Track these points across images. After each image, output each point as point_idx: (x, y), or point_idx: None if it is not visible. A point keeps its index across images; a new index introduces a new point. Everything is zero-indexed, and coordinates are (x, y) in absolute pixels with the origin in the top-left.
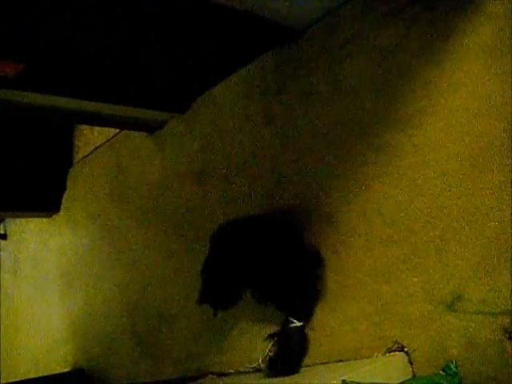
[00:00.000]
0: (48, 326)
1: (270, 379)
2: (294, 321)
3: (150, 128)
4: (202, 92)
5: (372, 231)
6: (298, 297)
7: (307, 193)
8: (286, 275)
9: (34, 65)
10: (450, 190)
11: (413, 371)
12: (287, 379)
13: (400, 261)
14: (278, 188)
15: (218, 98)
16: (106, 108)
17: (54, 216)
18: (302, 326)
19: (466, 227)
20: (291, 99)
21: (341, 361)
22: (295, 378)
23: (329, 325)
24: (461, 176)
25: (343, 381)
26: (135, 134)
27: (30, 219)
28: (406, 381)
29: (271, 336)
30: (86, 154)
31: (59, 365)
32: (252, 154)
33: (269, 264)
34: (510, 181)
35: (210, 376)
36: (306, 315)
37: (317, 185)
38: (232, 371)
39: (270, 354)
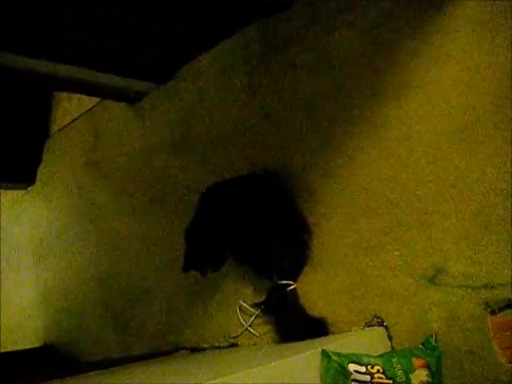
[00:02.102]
0: (19, 300)
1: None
2: (290, 282)
3: (130, 98)
4: (185, 63)
5: (354, 203)
6: (287, 259)
7: (290, 164)
8: (276, 236)
9: (13, 24)
10: (435, 163)
11: (392, 346)
12: (269, 349)
13: (382, 234)
14: (260, 159)
15: (202, 68)
16: (86, 74)
17: (28, 188)
18: (295, 288)
19: (450, 200)
20: (276, 70)
21: None
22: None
23: (307, 297)
24: (446, 149)
25: (323, 350)
26: (114, 104)
27: (3, 191)
28: (386, 353)
29: (257, 305)
30: (63, 125)
31: (30, 340)
32: (234, 124)
33: (257, 224)
34: (495, 155)
35: (184, 351)
36: (293, 280)
37: (300, 156)
38: (206, 346)
39: (249, 327)
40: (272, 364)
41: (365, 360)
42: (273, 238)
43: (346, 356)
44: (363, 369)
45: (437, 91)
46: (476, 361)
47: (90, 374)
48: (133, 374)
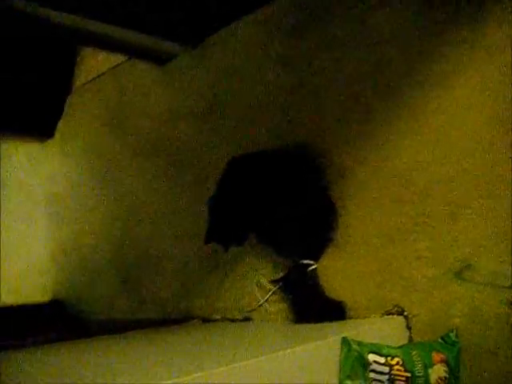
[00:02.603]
0: (30, 253)
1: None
2: (311, 262)
3: (158, 59)
4: (218, 28)
5: (385, 190)
6: (311, 239)
7: (319, 140)
8: (301, 215)
9: None
10: (473, 155)
11: (410, 336)
12: (286, 329)
13: (411, 223)
14: (289, 132)
15: (235, 36)
16: (115, 31)
17: (46, 142)
18: (316, 268)
19: (485, 195)
20: (314, 43)
21: None
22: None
23: (327, 279)
24: (487, 143)
25: (343, 338)
26: (142, 64)
27: (20, 143)
28: (405, 345)
29: (275, 281)
30: (87, 81)
31: (38, 293)
32: (265, 94)
33: (283, 201)
34: None
35: (196, 321)
36: (314, 261)
37: (330, 133)
38: (218, 317)
39: (265, 302)
40: (290, 350)
41: (385, 351)
42: (298, 217)
43: (367, 345)
44: (383, 359)
45: (483, 81)
46: (495, 360)
47: (99, 337)
48: (145, 344)
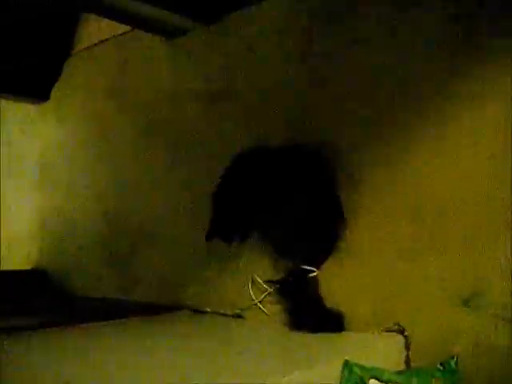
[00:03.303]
0: (16, 219)
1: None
2: (313, 269)
3: (167, 32)
4: (239, 7)
5: (399, 201)
6: (315, 245)
7: (336, 143)
8: (308, 219)
9: None
10: (497, 180)
11: (407, 356)
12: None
13: (423, 241)
14: (302, 129)
15: (255, 18)
16: (121, 0)
17: (42, 105)
18: (317, 275)
19: (506, 223)
20: (336, 38)
21: None
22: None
23: (327, 288)
24: None
25: (346, 361)
26: (148, 36)
27: (14, 103)
28: (406, 371)
29: (272, 282)
30: (88, 46)
31: (21, 261)
32: (280, 84)
33: (290, 202)
34: None
35: (185, 311)
36: (316, 267)
37: (345, 136)
38: (209, 310)
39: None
40: (287, 378)
41: (385, 377)
42: (304, 220)
43: (368, 370)
44: None
45: None
46: None
47: (81, 326)
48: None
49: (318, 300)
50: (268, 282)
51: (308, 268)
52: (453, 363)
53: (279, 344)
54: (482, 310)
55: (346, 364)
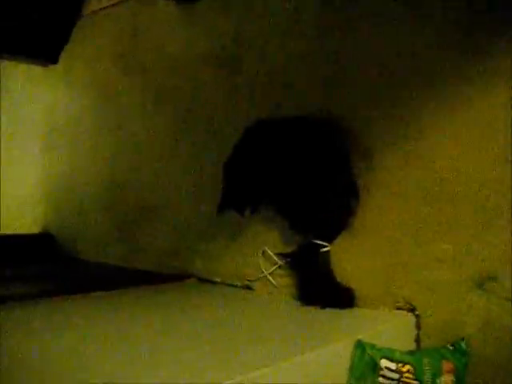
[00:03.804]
0: (22, 183)
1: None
2: (325, 243)
3: None
4: None
5: (413, 182)
6: (328, 220)
7: (350, 119)
8: (322, 193)
9: None
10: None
11: (417, 336)
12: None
13: (437, 222)
14: (314, 103)
15: None
16: None
17: (49, 67)
18: (329, 251)
19: None
20: (353, 16)
21: None
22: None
23: (338, 264)
24: None
25: (358, 341)
26: (161, 0)
27: (22, 63)
28: (417, 351)
29: (283, 255)
30: (99, 8)
31: (28, 225)
32: (296, 58)
33: (305, 175)
34: None
35: (193, 279)
36: (328, 243)
37: (362, 113)
38: (218, 280)
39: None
40: (300, 357)
41: (397, 357)
42: (318, 194)
43: (380, 350)
44: (394, 366)
45: None
46: (505, 375)
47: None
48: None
49: (329, 275)
50: (279, 254)
51: (320, 243)
52: (463, 344)
53: (290, 321)
54: (495, 294)
55: (358, 344)
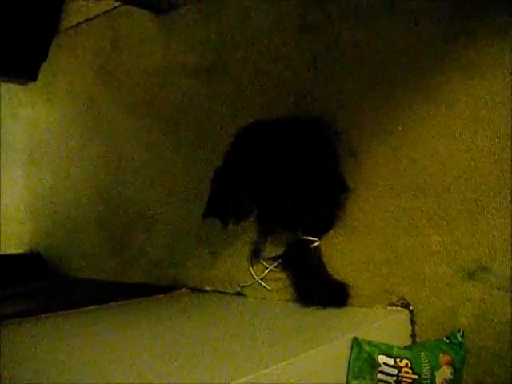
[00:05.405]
0: (6, 202)
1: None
2: (315, 239)
3: (157, 8)
4: None
5: (400, 177)
6: (317, 215)
7: (336, 118)
8: (311, 188)
9: None
10: (503, 151)
11: (413, 331)
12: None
13: (426, 215)
14: (299, 104)
15: None
16: None
17: (29, 84)
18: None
19: (509, 196)
20: (335, 14)
21: None
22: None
23: (329, 261)
24: None
25: (355, 339)
26: (139, 11)
27: (0, 83)
28: (414, 346)
29: (274, 258)
30: (76, 23)
31: (15, 245)
32: (278, 61)
33: (293, 172)
34: None
35: (184, 289)
36: (318, 238)
37: (346, 110)
38: (209, 288)
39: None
40: (298, 358)
41: (395, 352)
42: (307, 190)
43: (377, 346)
44: (392, 361)
45: None
46: (501, 364)
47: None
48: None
49: (322, 270)
50: (269, 259)
51: (310, 238)
52: (459, 336)
53: (286, 323)
54: (487, 284)
55: (355, 341)
